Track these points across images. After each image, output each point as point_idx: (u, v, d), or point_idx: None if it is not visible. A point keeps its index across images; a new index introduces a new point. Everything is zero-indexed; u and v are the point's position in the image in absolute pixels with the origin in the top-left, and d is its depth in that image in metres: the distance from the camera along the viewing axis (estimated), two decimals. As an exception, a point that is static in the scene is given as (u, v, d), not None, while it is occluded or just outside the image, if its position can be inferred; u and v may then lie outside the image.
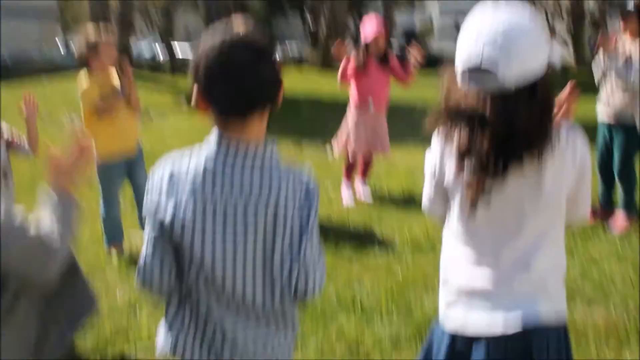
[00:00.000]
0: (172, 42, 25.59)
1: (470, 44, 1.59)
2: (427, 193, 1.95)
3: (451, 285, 1.83)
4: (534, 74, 1.58)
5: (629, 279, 4.06)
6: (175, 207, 1.51)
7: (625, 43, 4.88)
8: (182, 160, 1.55)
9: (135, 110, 4.46)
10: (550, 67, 1.64)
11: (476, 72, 1.58)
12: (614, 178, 5.10)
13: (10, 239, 1.46)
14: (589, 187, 1.78)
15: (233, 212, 1.51)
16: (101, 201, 4.50)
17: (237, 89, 1.47)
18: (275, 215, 1.51)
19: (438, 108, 1.73)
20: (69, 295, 1.84)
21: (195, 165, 1.51)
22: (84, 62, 4.24)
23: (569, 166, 1.68)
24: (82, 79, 4.23)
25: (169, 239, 1.55)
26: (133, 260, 4.39)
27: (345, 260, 4.40)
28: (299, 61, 30.58)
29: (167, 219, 1.51)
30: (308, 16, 29.99)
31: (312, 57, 28.72)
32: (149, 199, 1.56)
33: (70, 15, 42.69)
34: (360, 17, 42.94)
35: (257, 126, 1.53)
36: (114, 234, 4.55)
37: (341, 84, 5.84)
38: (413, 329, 3.40)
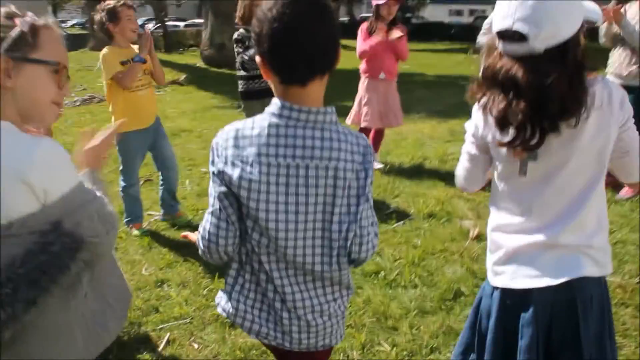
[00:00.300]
0: (165, 19, 25.38)
1: (503, 6, 1.63)
2: (463, 167, 1.98)
3: (501, 246, 1.89)
4: (566, 35, 1.60)
5: (641, 245, 4.13)
6: (242, 166, 1.54)
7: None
8: (247, 122, 1.58)
9: (159, 81, 4.45)
10: (585, 25, 1.66)
11: (509, 35, 1.62)
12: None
13: (86, 200, 1.50)
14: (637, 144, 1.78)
15: (295, 175, 1.54)
16: (121, 175, 4.48)
17: (297, 58, 1.49)
18: (335, 177, 1.55)
19: (477, 77, 1.76)
20: (114, 281, 1.88)
21: (260, 129, 1.54)
22: (105, 31, 4.18)
23: (608, 122, 1.69)
24: (105, 51, 4.18)
25: (235, 199, 1.57)
26: (155, 238, 4.45)
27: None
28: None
29: (235, 177, 1.54)
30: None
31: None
32: (215, 158, 1.58)
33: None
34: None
35: (317, 92, 1.55)
36: (133, 211, 4.55)
37: (361, 58, 5.74)
38: (437, 297, 3.46)
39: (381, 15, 5.55)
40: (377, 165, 5.99)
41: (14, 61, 1.43)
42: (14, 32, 1.44)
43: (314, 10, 1.49)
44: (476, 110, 1.83)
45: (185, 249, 4.13)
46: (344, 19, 36.41)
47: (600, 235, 1.81)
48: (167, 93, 12.15)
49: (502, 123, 1.69)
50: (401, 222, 4.63)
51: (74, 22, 54.85)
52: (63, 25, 53.94)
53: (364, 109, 5.76)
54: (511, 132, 1.68)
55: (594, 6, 1.74)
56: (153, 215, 4.87)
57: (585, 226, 1.78)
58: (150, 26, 29.80)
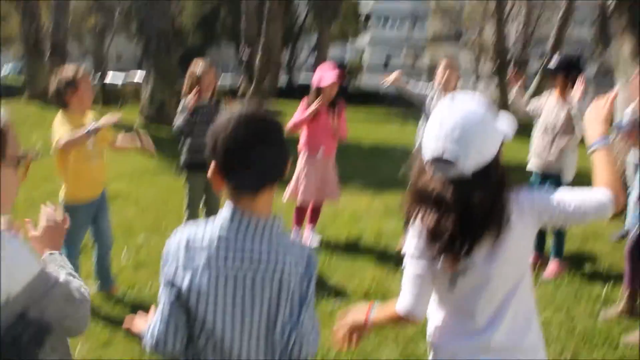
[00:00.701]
0: (105, 71, 25.26)
1: (433, 136, 1.85)
2: (411, 293, 1.99)
3: (440, 349, 2.06)
4: (488, 158, 1.84)
5: (565, 326, 4.36)
6: (192, 275, 1.64)
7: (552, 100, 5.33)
8: (198, 229, 1.69)
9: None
10: (503, 143, 1.89)
11: (439, 161, 1.83)
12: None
13: (48, 286, 1.56)
14: (567, 197, 1.95)
15: (242, 281, 1.65)
16: (62, 246, 4.40)
17: (249, 168, 1.63)
18: (280, 284, 1.66)
19: (409, 192, 1.97)
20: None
21: (210, 235, 1.66)
22: (60, 99, 4.19)
23: (524, 232, 1.92)
24: (58, 117, 4.18)
25: (184, 305, 1.66)
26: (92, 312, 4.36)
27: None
28: (234, 92, 30.66)
29: (184, 286, 1.64)
30: (242, 48, 30.11)
31: (246, 88, 28.82)
32: (166, 266, 1.69)
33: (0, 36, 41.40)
34: (293, 49, 43.54)
35: (267, 200, 1.69)
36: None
37: (291, 131, 5.87)
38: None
39: (323, 93, 5.77)
40: (315, 239, 6.11)
41: None
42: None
43: (264, 131, 1.65)
44: (414, 230, 1.97)
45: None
46: (281, 85, 37.15)
47: (529, 335, 1.99)
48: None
49: (433, 234, 1.87)
50: (337, 302, 4.72)
51: (7, 68, 53.20)
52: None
53: (302, 184, 5.90)
54: (441, 243, 1.86)
55: (508, 121, 1.94)
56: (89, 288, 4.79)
57: (514, 327, 1.95)
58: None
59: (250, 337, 1.68)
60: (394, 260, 5.52)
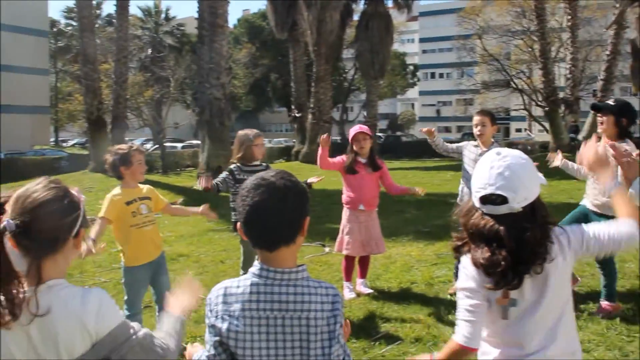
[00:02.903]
0: (163, 140, 26.37)
1: (485, 177, 2.13)
2: (466, 324, 2.17)
3: None
4: (534, 197, 2.13)
5: (618, 366, 4.37)
6: (230, 320, 1.89)
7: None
8: (234, 281, 1.97)
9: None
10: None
11: (492, 199, 2.10)
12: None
13: (129, 335, 1.85)
14: (600, 229, 2.21)
15: (274, 325, 1.89)
16: (125, 305, 4.74)
17: (262, 232, 1.92)
18: (308, 326, 1.89)
19: (460, 231, 2.24)
20: None
21: (243, 287, 1.93)
22: (115, 173, 4.63)
23: (567, 255, 2.17)
24: (116, 189, 4.62)
25: (226, 345, 1.91)
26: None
27: (353, 355, 4.65)
28: (288, 152, 31.43)
29: (224, 328, 1.89)
30: (293, 109, 30.94)
31: (300, 148, 29.52)
32: (209, 312, 1.95)
33: (63, 111, 43.97)
34: (344, 106, 44.34)
35: (285, 256, 1.93)
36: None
37: (321, 167, 6.12)
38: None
39: (354, 150, 6.06)
40: (367, 291, 6.27)
41: (84, 229, 1.86)
42: (82, 206, 1.87)
43: (278, 198, 1.90)
44: (467, 265, 2.20)
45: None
46: (335, 138, 37.78)
47: (577, 355, 2.24)
48: (164, 216, 12.53)
49: (488, 269, 2.10)
50: (389, 347, 4.86)
51: (74, 141, 56.57)
52: (64, 144, 55.58)
53: (346, 238, 6.12)
54: (495, 276, 2.09)
55: (540, 174, 2.26)
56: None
57: (567, 344, 2.20)
58: (149, 147, 30.84)
59: None
60: (445, 306, 5.63)
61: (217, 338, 1.91)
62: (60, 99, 49.23)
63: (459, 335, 2.16)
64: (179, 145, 36.22)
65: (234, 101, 28.63)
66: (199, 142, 24.20)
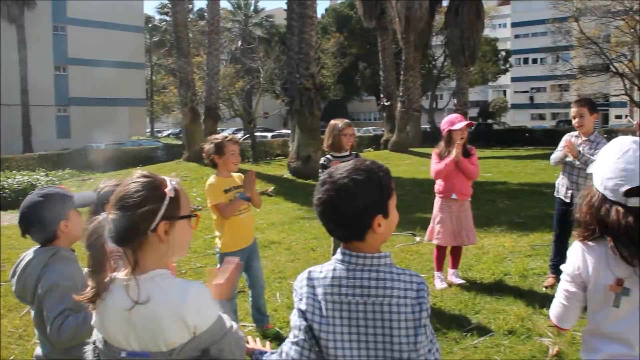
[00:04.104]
0: (254, 130, 26.93)
1: (631, 169, 2.05)
2: (560, 305, 2.28)
3: None
4: None
5: None
6: (314, 304, 1.91)
7: None
8: (318, 267, 1.98)
9: (256, 206, 5.00)
10: None
11: (634, 191, 2.02)
12: None
13: (226, 330, 1.93)
14: None
15: (356, 310, 1.89)
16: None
17: (328, 226, 1.94)
18: (390, 312, 1.87)
19: (584, 219, 2.15)
20: None
21: (326, 272, 1.94)
22: (210, 162, 4.86)
23: None
24: (211, 178, 4.81)
25: (311, 330, 1.92)
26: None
27: (444, 345, 4.65)
28: (377, 141, 31.40)
29: (309, 311, 1.91)
30: (382, 98, 30.79)
31: (389, 136, 29.41)
32: (295, 297, 1.98)
33: (159, 103, 45.86)
34: (434, 94, 43.73)
35: (366, 246, 1.91)
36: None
37: (436, 179, 6.14)
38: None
39: (453, 139, 5.96)
40: (458, 281, 6.21)
41: (169, 222, 1.87)
42: (166, 201, 1.87)
43: (341, 196, 1.88)
44: (577, 253, 2.17)
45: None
46: (425, 126, 37.36)
47: None
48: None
49: (629, 260, 2.04)
50: (482, 339, 4.80)
51: (168, 132, 58.89)
52: (159, 135, 57.93)
53: (437, 227, 6.08)
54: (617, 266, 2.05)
55: None
56: (247, 327, 5.25)
57: None
58: (239, 136, 31.54)
59: (368, 358, 1.90)
60: (538, 299, 5.50)
61: (303, 322, 1.93)
62: (155, 92, 51.31)
63: (552, 313, 2.32)
64: (269, 134, 36.87)
65: (322, 91, 28.77)
66: (288, 131, 24.57)
